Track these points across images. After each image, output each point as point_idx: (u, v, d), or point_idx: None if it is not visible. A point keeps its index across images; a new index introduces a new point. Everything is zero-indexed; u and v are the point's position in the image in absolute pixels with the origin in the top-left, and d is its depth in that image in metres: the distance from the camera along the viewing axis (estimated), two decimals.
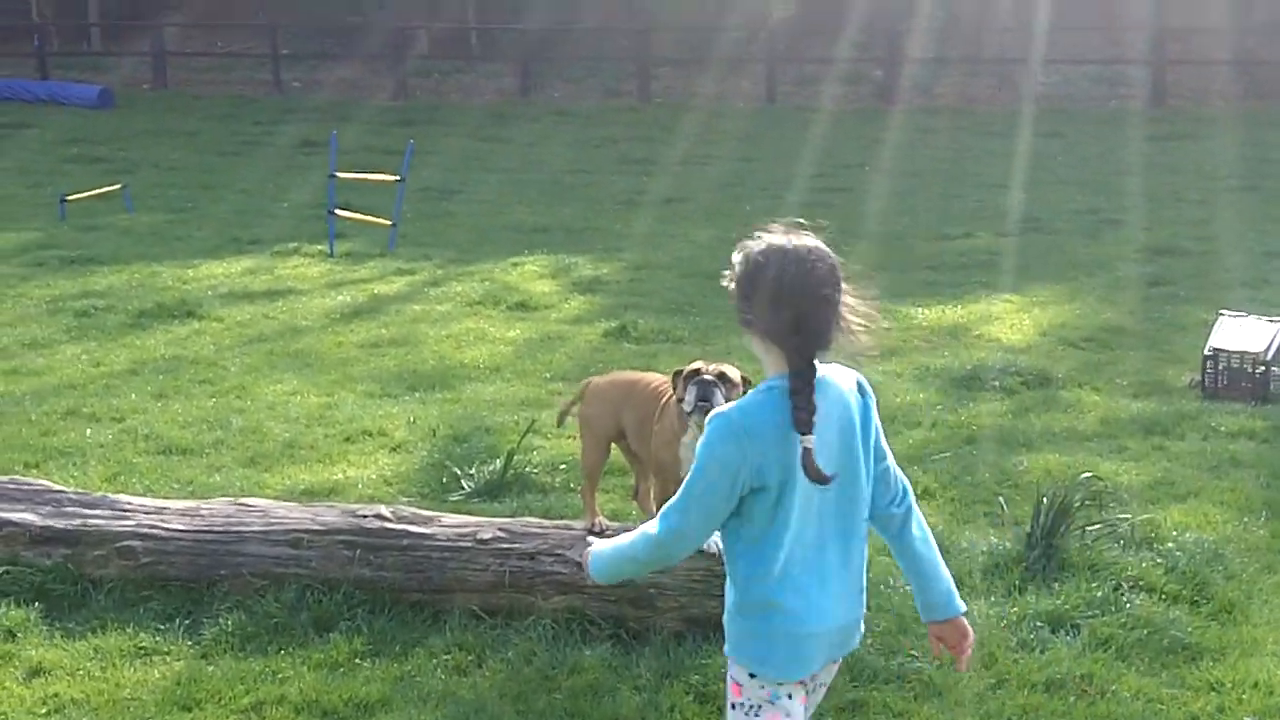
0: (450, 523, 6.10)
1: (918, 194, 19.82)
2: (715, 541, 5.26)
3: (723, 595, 5.40)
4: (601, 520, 5.92)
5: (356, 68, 32.62)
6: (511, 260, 14.90)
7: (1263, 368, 9.50)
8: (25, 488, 6.61)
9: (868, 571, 3.83)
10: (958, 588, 5.96)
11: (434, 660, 5.54)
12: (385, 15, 33.71)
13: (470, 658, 5.54)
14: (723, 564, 5.21)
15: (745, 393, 4.28)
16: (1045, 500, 6.41)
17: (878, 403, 3.82)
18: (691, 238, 16.66)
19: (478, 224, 17.74)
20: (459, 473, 7.71)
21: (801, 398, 3.53)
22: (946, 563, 5.94)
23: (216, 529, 6.18)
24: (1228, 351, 9.58)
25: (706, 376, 5.34)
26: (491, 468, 7.65)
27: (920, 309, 12.39)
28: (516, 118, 28.65)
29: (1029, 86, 29.28)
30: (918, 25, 31.27)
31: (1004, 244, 16.01)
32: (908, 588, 5.95)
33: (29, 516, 6.33)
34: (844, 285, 3.71)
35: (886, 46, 30.56)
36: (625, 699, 5.23)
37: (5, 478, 6.86)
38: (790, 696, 3.65)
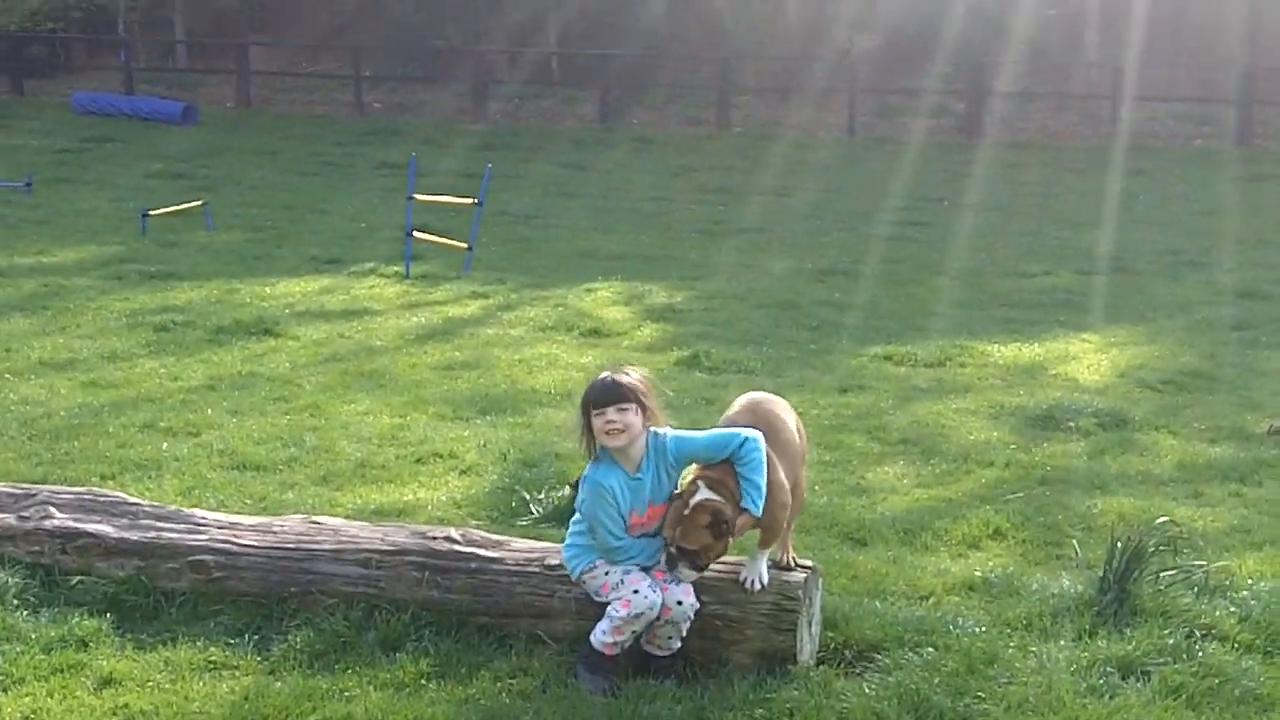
0: (519, 547, 6.14)
1: (998, 230, 19.75)
2: (762, 577, 5.41)
3: (793, 630, 5.52)
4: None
5: (438, 91, 32.94)
6: (585, 286, 14.98)
7: None
8: (101, 499, 6.72)
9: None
10: (1029, 629, 5.98)
11: (499, 684, 5.58)
12: (467, 39, 33.99)
13: (535, 683, 5.57)
14: (790, 599, 5.43)
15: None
16: (1119, 544, 6.35)
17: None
18: (767, 269, 16.69)
19: (553, 249, 17.86)
20: (528, 497, 7.76)
21: None
22: (1017, 604, 5.99)
23: (288, 546, 6.26)
24: None
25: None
26: (560, 493, 7.69)
27: (997, 346, 12.34)
28: (595, 144, 28.80)
29: (1115, 123, 29.10)
30: (1003, 59, 31.16)
31: (1084, 283, 15.92)
32: (978, 628, 5.96)
33: (104, 528, 6.44)
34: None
35: (971, 80, 30.48)
36: None
37: (82, 489, 6.98)
38: None
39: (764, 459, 5.53)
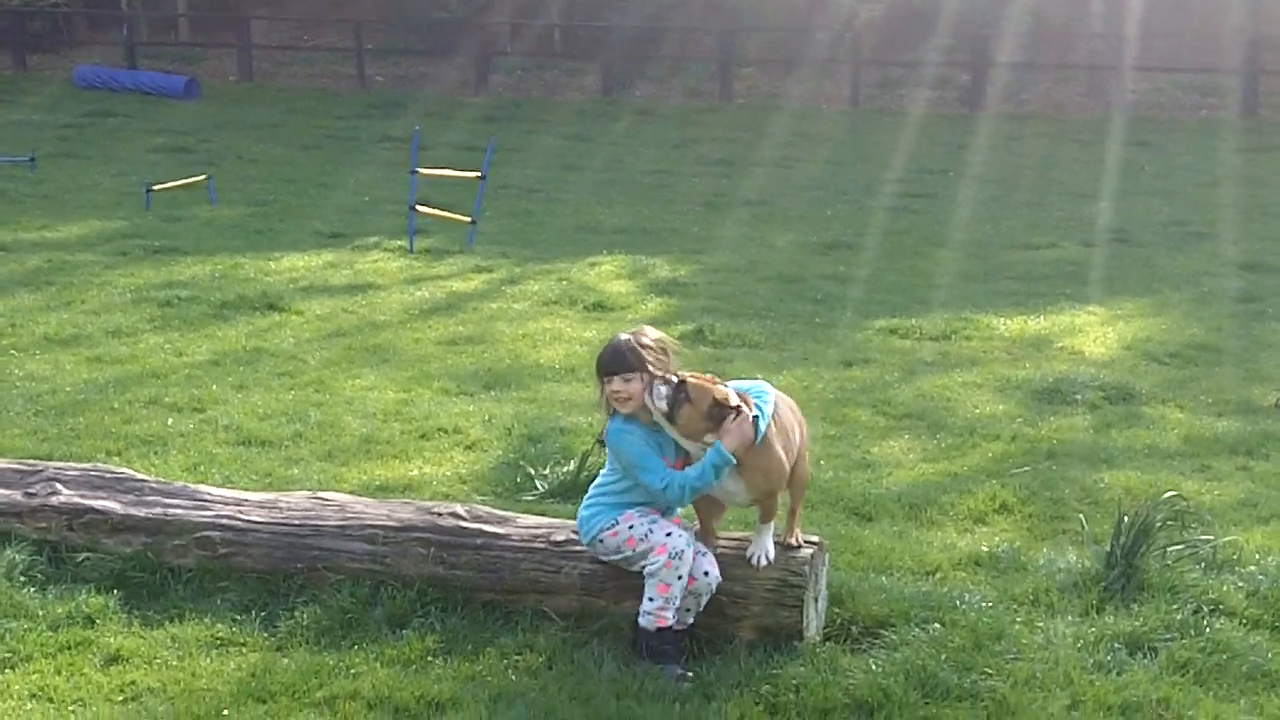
0: (525, 524, 6.13)
1: (1002, 202, 19.70)
2: (768, 553, 5.37)
3: (799, 606, 5.51)
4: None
5: (441, 65, 32.83)
6: (589, 260, 14.95)
7: None
8: (108, 476, 6.72)
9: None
10: (1036, 605, 5.98)
11: (505, 661, 5.58)
12: (470, 12, 33.88)
13: (541, 659, 5.57)
14: (797, 575, 5.42)
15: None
16: (1126, 519, 6.35)
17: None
18: (770, 241, 16.66)
19: (556, 223, 17.82)
20: (533, 473, 7.75)
21: None
22: (1023, 580, 5.99)
23: (294, 522, 6.25)
24: None
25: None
26: (566, 469, 7.68)
27: (1002, 319, 12.31)
28: (598, 117, 28.72)
29: (1118, 94, 29.00)
30: (1006, 29, 31.02)
31: (1089, 255, 15.89)
32: (985, 603, 5.96)
33: (111, 504, 6.44)
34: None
35: (973, 51, 30.36)
36: (695, 707, 5.24)
37: (88, 465, 6.98)
38: None
39: (773, 400, 5.56)
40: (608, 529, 5.62)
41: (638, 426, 5.54)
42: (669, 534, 5.49)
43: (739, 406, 5.45)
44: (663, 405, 5.45)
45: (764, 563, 5.63)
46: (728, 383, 5.66)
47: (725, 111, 29.37)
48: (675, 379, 5.49)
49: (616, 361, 5.53)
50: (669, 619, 5.48)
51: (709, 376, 5.59)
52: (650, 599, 5.48)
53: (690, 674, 5.42)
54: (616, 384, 5.51)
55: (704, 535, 5.76)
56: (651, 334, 5.65)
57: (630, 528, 5.57)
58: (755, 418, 5.44)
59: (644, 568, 5.52)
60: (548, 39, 35.15)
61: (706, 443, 5.46)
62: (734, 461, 5.42)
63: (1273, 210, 18.99)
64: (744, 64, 32.25)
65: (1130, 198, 19.85)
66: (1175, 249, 16.31)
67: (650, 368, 5.51)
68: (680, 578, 5.46)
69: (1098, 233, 17.23)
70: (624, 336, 5.60)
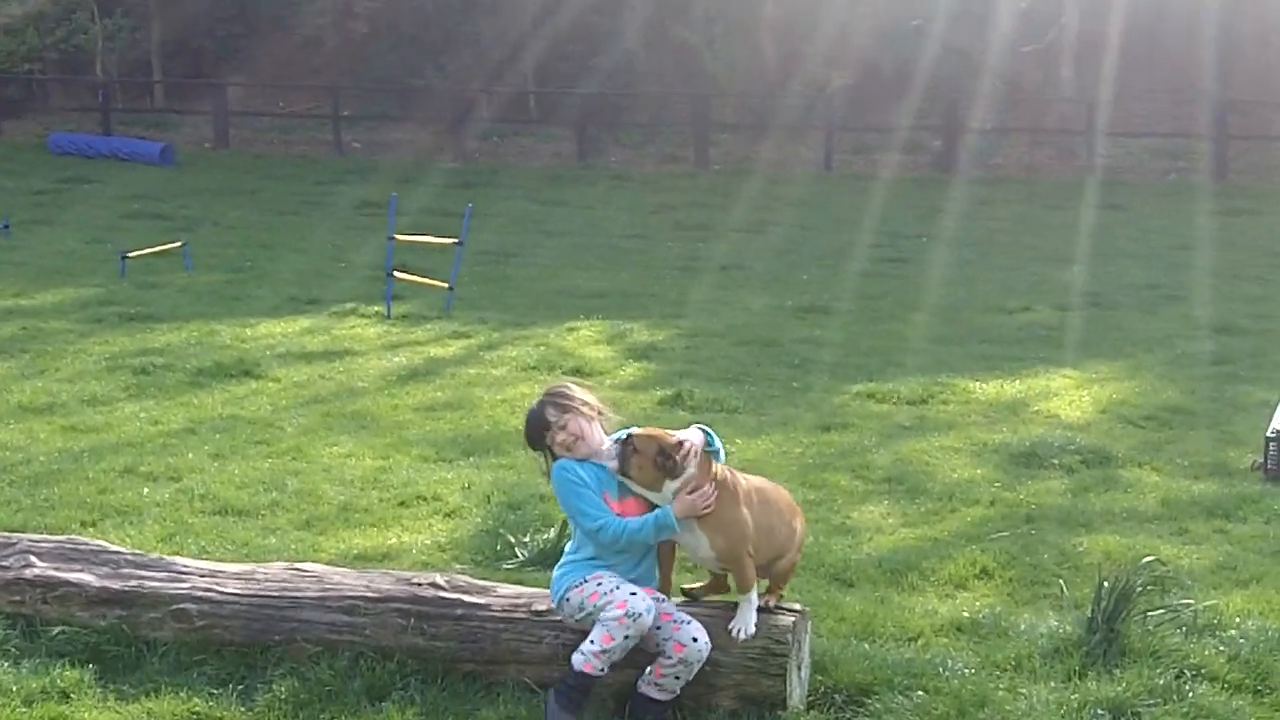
0: (505, 593, 6.09)
1: (976, 265, 19.81)
2: (748, 628, 5.44)
3: (782, 675, 5.47)
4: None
5: (416, 130, 32.95)
6: (567, 325, 14.96)
7: None
8: (82, 548, 6.65)
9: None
10: (1018, 671, 5.96)
11: None
12: (445, 78, 34.05)
13: (546, 715, 5.51)
14: (779, 644, 5.38)
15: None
16: (1106, 584, 6.33)
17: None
18: (747, 305, 16.70)
19: (534, 288, 17.84)
20: (513, 541, 7.71)
21: None
22: (1005, 645, 5.98)
23: (272, 594, 6.20)
24: None
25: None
26: (546, 536, 7.64)
27: (978, 383, 12.34)
28: (574, 181, 28.84)
29: (1090, 158, 29.24)
30: (978, 95, 31.31)
31: (1063, 318, 15.97)
32: (967, 670, 5.93)
33: (86, 577, 6.37)
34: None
35: (945, 116, 30.60)
36: None
37: (63, 538, 6.90)
38: None
39: (719, 444, 5.65)
40: (575, 586, 5.62)
41: (581, 467, 5.64)
42: (633, 594, 5.47)
43: (682, 443, 5.53)
44: (614, 463, 5.57)
45: (743, 637, 5.60)
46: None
47: (701, 176, 29.53)
48: (624, 435, 5.63)
49: (539, 422, 5.73)
50: (595, 668, 5.44)
51: (657, 431, 5.71)
52: (592, 641, 5.45)
53: None
54: (559, 436, 5.67)
55: (661, 586, 5.78)
56: (566, 386, 5.86)
57: (598, 584, 5.56)
58: (710, 448, 5.58)
59: (600, 617, 5.50)
60: (522, 104, 35.32)
61: (665, 493, 5.55)
62: (677, 528, 5.51)
63: (1244, 273, 19.12)
64: (719, 129, 32.43)
65: (1103, 261, 19.98)
66: (1148, 312, 16.40)
67: (578, 406, 5.69)
68: (628, 638, 5.42)
69: (1071, 296, 17.33)
70: (535, 402, 5.83)
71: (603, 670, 5.45)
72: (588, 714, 5.46)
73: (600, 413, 5.77)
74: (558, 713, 5.43)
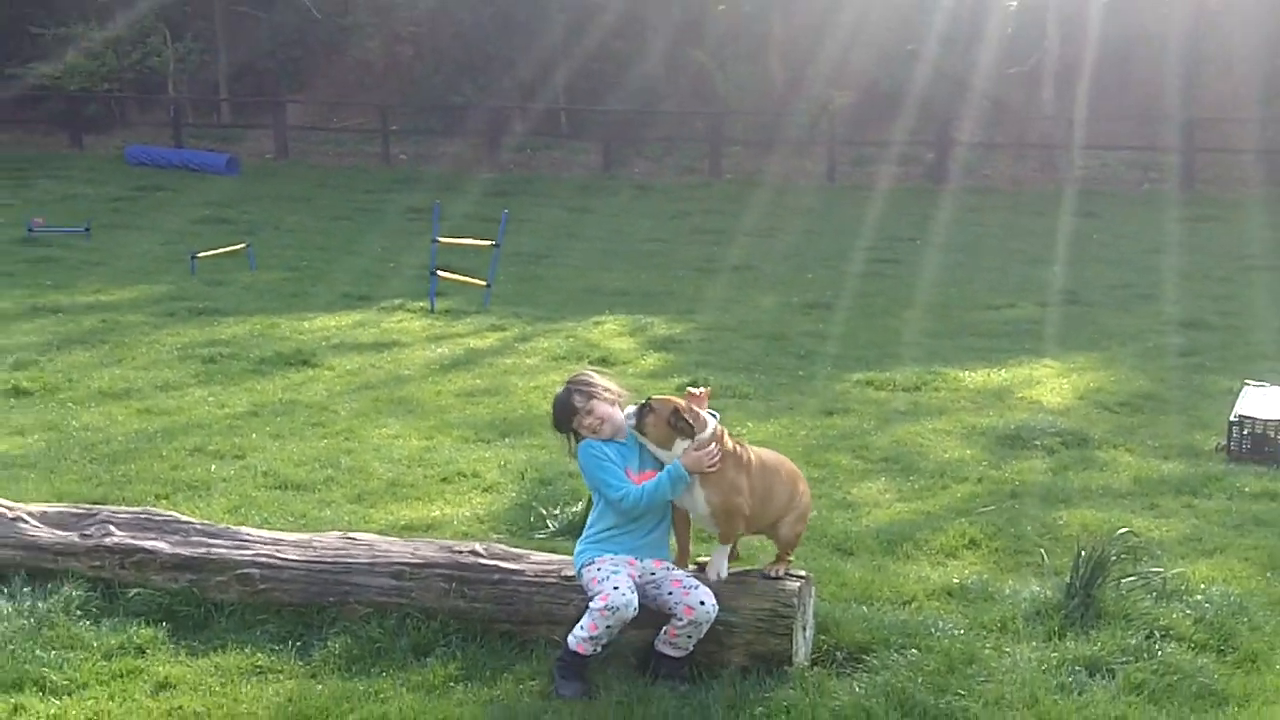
0: (537, 560, 6.10)
1: (965, 267, 19.73)
2: (720, 571, 5.62)
3: (788, 635, 5.46)
4: None
5: (458, 143, 32.95)
6: (594, 319, 14.95)
7: None
8: (156, 519, 6.68)
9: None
10: (1003, 632, 5.94)
11: (520, 686, 5.53)
12: (484, 97, 34.04)
13: (552, 685, 5.52)
14: (786, 606, 5.37)
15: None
16: (1084, 553, 6.32)
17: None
18: (757, 303, 16.67)
19: (563, 286, 17.83)
20: (544, 513, 7.72)
21: None
22: (991, 609, 5.96)
23: (327, 560, 6.21)
24: (1253, 419, 9.44)
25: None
26: (574, 509, 7.64)
27: (968, 372, 12.30)
28: (600, 191, 28.80)
29: (1069, 170, 29.11)
30: (967, 113, 31.19)
31: (1045, 314, 15.89)
32: (957, 630, 5.91)
33: (160, 545, 6.40)
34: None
35: (938, 131, 30.49)
36: None
37: (139, 509, 6.93)
38: None
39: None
40: (585, 565, 5.66)
41: (604, 445, 5.67)
42: (616, 588, 5.44)
43: (689, 410, 5.57)
44: (632, 421, 5.63)
45: (713, 577, 5.62)
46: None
47: (715, 186, 29.46)
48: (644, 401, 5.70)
49: (567, 408, 5.75)
50: (587, 650, 5.45)
51: (673, 398, 5.76)
52: (582, 626, 5.47)
53: (594, 692, 5.41)
54: (586, 421, 5.68)
55: (680, 555, 5.78)
56: (589, 374, 5.89)
57: (598, 569, 5.58)
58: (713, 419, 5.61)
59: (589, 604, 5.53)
60: (554, 120, 35.30)
61: (675, 451, 5.58)
62: (688, 479, 5.51)
63: (1211, 274, 19.02)
64: (731, 144, 32.37)
65: (1081, 263, 19.88)
66: (1122, 309, 16.31)
67: (600, 392, 5.71)
68: (609, 627, 5.43)
69: (1052, 295, 17.25)
70: (562, 388, 5.83)
71: (594, 652, 5.47)
72: (589, 683, 5.47)
73: (620, 397, 5.77)
74: (564, 683, 5.44)
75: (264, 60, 36.50)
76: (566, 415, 5.75)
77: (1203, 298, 17.01)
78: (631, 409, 5.66)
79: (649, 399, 5.68)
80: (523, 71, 34.05)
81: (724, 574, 5.64)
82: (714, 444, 5.54)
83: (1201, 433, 10.19)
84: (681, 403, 5.62)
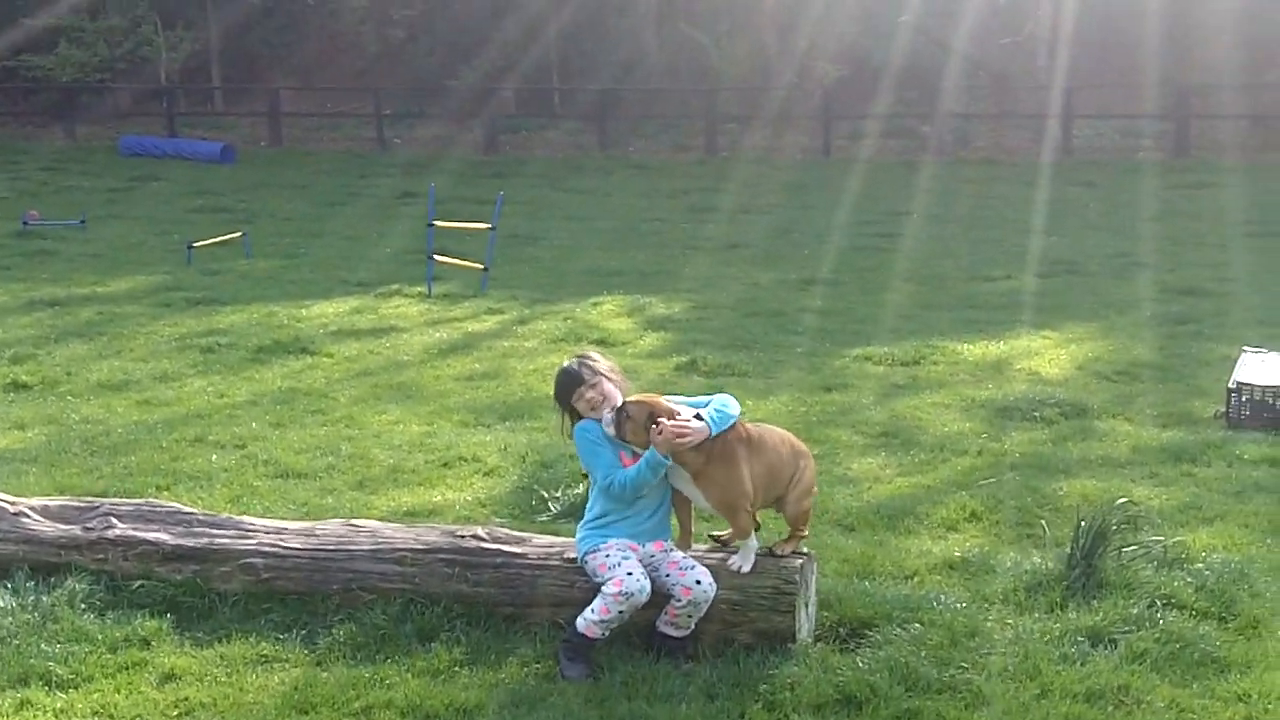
0: (540, 543, 6.11)
1: (960, 239, 19.72)
2: (745, 566, 5.62)
3: (791, 612, 5.48)
4: None
5: (451, 125, 32.89)
6: (591, 300, 14.94)
7: None
8: (159, 509, 6.68)
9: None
10: (1005, 604, 5.96)
11: (525, 669, 5.55)
12: (478, 78, 33.98)
13: (557, 667, 5.54)
14: (789, 583, 5.39)
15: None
16: (1084, 523, 6.33)
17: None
18: (753, 279, 16.65)
19: (560, 267, 17.82)
20: (546, 496, 7.73)
21: None
22: (993, 581, 5.96)
23: (330, 547, 6.22)
24: (1250, 385, 9.45)
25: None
26: (575, 491, 7.65)
27: (966, 345, 12.30)
28: (594, 170, 28.76)
29: (1064, 139, 29.06)
30: (962, 84, 31.13)
31: (1042, 285, 15.89)
32: (959, 604, 5.93)
33: (162, 536, 6.41)
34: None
35: (933, 103, 30.45)
36: (700, 706, 5.21)
37: (141, 500, 6.94)
38: None
39: (734, 410, 5.63)
40: (591, 551, 5.67)
41: (598, 427, 5.67)
42: (630, 573, 5.47)
43: (667, 413, 5.54)
44: (610, 430, 5.61)
45: (739, 569, 5.65)
46: (676, 397, 5.84)
47: (711, 164, 29.41)
48: (619, 405, 5.66)
49: (574, 378, 5.74)
50: (596, 634, 5.48)
51: (651, 396, 5.73)
52: (593, 610, 5.49)
53: (598, 675, 5.42)
54: (588, 394, 5.68)
55: (682, 536, 5.78)
56: (593, 354, 5.90)
57: (606, 556, 5.60)
58: (699, 418, 5.54)
59: (601, 589, 5.54)
60: (546, 99, 35.26)
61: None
62: (667, 462, 5.51)
63: (1206, 241, 19.02)
64: (727, 121, 32.31)
65: (1078, 232, 19.87)
66: (1119, 278, 16.31)
67: (605, 372, 5.73)
68: (622, 612, 5.46)
69: (1049, 265, 17.24)
70: (569, 361, 5.84)
71: (602, 635, 5.49)
72: (594, 665, 5.48)
73: (623, 383, 5.79)
74: (569, 666, 5.45)
75: (257, 47, 36.43)
76: (572, 386, 5.75)
77: (1199, 265, 17.01)
78: (609, 417, 5.62)
79: (624, 403, 5.65)
80: (514, 51, 33.98)
81: (746, 569, 5.65)
82: (679, 419, 5.52)
83: (1200, 400, 10.20)
84: (659, 404, 5.61)
